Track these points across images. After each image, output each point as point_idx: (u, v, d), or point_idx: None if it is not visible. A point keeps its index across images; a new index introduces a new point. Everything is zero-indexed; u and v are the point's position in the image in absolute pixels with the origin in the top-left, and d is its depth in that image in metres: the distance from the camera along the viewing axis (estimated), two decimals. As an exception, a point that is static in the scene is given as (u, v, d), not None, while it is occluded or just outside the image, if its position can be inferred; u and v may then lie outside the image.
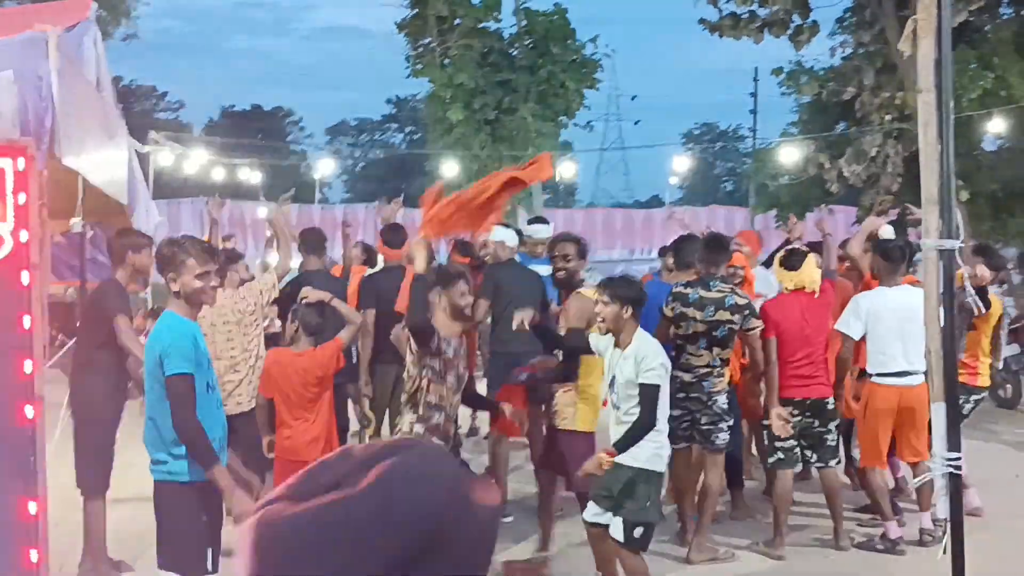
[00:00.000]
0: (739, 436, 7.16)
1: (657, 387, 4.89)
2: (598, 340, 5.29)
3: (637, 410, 4.89)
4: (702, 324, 6.02)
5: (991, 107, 15.16)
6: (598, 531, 5.13)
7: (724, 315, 5.99)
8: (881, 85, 16.18)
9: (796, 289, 6.32)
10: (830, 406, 6.36)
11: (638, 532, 4.90)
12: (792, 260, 6.37)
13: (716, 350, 6.05)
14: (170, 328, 4.16)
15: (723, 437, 6.11)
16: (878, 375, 6.29)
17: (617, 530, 4.92)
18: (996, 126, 15.36)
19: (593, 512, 5.14)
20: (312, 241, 7.64)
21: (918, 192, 10.01)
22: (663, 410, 5.00)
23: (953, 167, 3.82)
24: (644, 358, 4.89)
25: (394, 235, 7.90)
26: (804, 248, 6.65)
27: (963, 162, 13.02)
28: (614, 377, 5.05)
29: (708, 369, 6.03)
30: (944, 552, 3.83)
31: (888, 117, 16.24)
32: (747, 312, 6.08)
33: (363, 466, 1.01)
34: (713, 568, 6.12)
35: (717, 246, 6.39)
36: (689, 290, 6.10)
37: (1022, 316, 12.16)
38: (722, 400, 6.10)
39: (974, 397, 6.89)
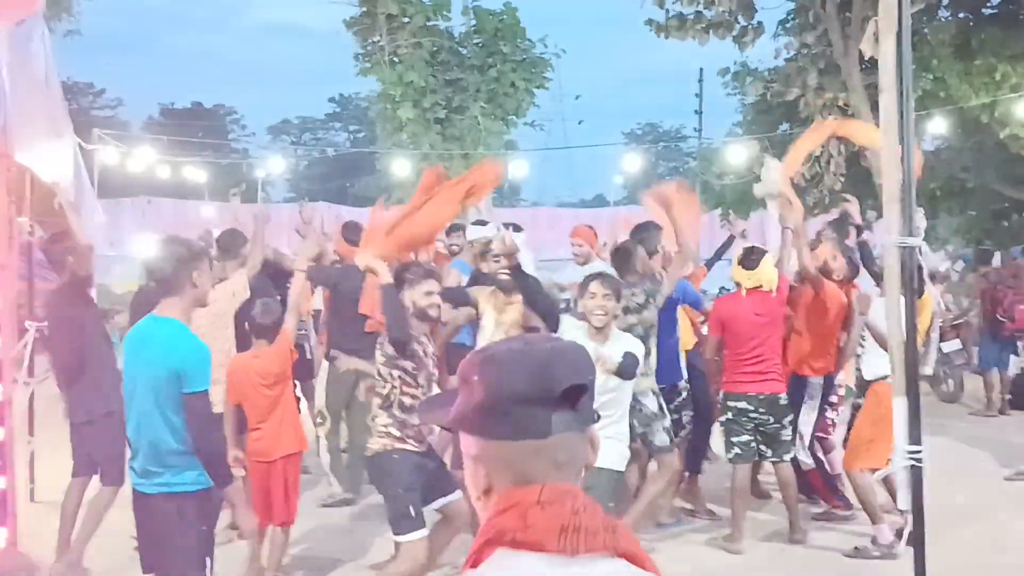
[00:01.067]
0: (704, 424, 7.22)
1: (636, 358, 5.16)
2: (573, 332, 5.35)
3: (611, 403, 5.03)
4: None
5: (930, 108, 15.48)
6: None
7: (632, 318, 6.12)
8: (824, 86, 16.43)
9: (754, 287, 6.41)
10: (783, 401, 6.49)
11: None
12: (750, 259, 6.44)
13: None
14: (189, 342, 3.97)
15: (661, 438, 6.18)
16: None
17: None
18: (935, 126, 15.69)
19: None
20: (228, 244, 7.18)
21: (861, 190, 10.20)
22: (626, 408, 5.07)
23: (912, 166, 3.90)
24: (631, 348, 5.21)
25: (353, 232, 7.90)
26: (762, 247, 6.71)
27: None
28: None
29: None
30: (906, 544, 3.92)
31: (831, 117, 16.47)
32: (648, 299, 6.24)
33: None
34: (672, 560, 6.19)
35: (620, 256, 6.52)
36: None
37: (964, 313, 12.46)
38: (649, 401, 6.15)
39: None
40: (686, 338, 7.12)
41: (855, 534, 6.62)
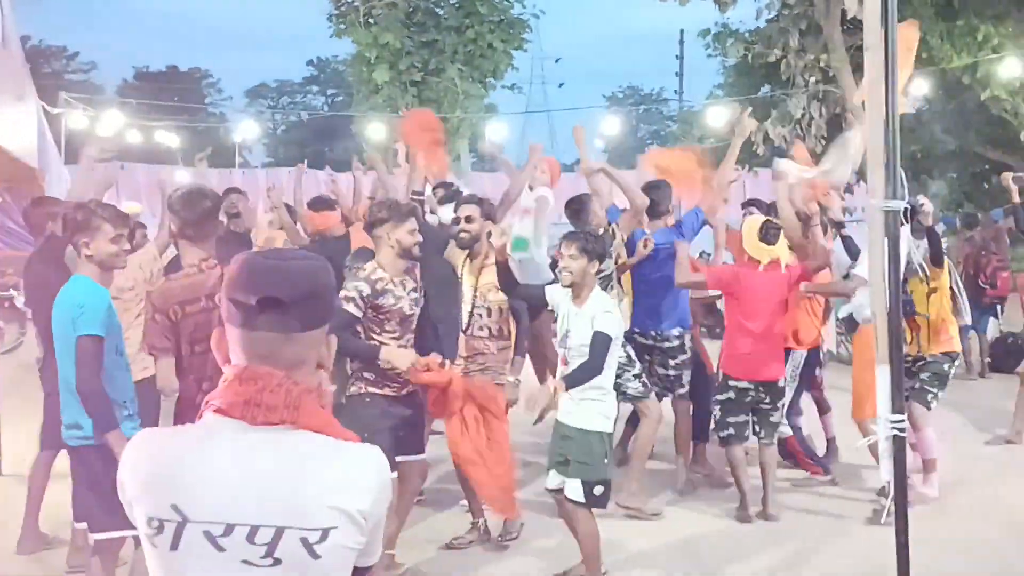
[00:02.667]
0: (706, 388, 7.09)
1: (609, 337, 4.87)
2: (554, 293, 5.28)
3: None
4: None
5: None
6: (562, 497, 5.09)
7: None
8: (805, 47, 16.30)
9: (771, 263, 6.19)
10: (781, 384, 6.40)
11: (598, 491, 4.92)
12: (770, 234, 6.18)
13: None
14: (85, 290, 4.11)
15: (635, 386, 6.35)
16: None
17: (576, 491, 4.92)
18: (917, 88, 15.58)
19: (555, 481, 5.12)
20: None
21: (842, 153, 9.91)
22: (609, 373, 4.99)
23: (898, 128, 3.77)
24: (600, 312, 4.91)
25: (322, 204, 7.75)
26: (776, 221, 6.40)
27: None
28: (568, 332, 5.04)
29: None
30: (888, 514, 3.83)
31: (812, 79, 16.37)
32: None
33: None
34: (659, 529, 6.14)
35: (572, 209, 6.58)
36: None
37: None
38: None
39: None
40: None
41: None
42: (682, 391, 6.86)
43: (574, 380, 4.87)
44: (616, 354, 5.08)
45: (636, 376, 6.39)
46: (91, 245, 4.17)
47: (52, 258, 5.86)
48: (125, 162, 24.95)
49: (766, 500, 6.38)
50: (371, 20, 15.81)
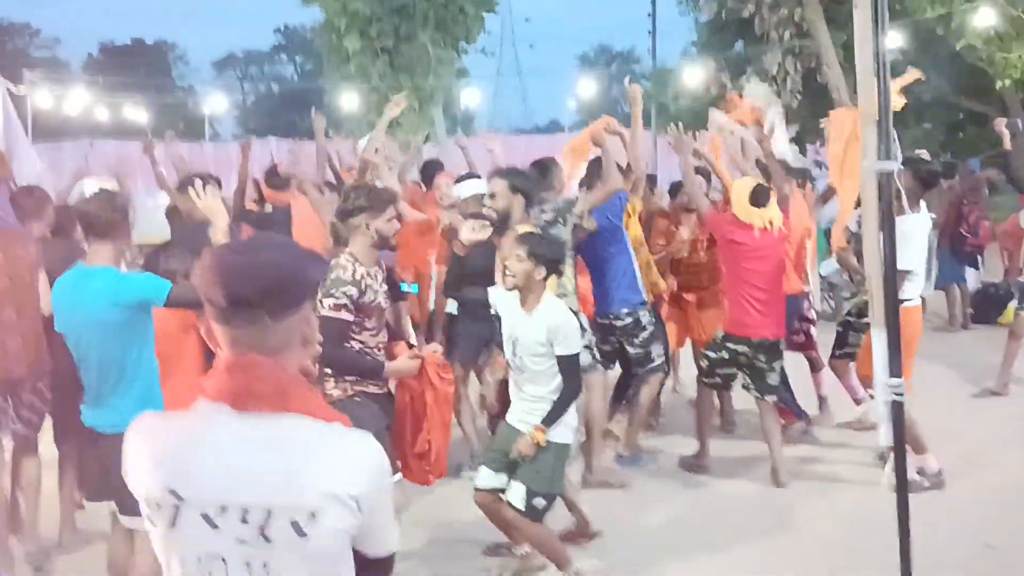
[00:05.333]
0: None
1: (576, 354, 4.56)
2: (497, 295, 4.93)
3: (544, 375, 4.58)
4: None
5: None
6: (491, 498, 4.74)
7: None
8: (779, 2, 16.16)
9: (764, 227, 6.11)
10: (780, 346, 6.36)
11: (539, 503, 4.53)
12: (761, 196, 6.10)
13: None
14: (129, 282, 4.15)
15: (584, 357, 5.96)
16: (912, 299, 5.99)
17: (517, 497, 4.55)
18: (891, 40, 15.51)
19: (487, 480, 4.75)
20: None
21: (817, 108, 10.00)
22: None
23: (890, 86, 3.68)
24: (559, 328, 4.52)
25: (276, 177, 7.72)
26: (765, 184, 6.32)
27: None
28: (516, 340, 4.66)
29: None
30: (887, 478, 3.80)
31: (787, 34, 16.26)
32: (558, 217, 5.91)
33: None
34: (639, 497, 6.11)
35: (533, 174, 6.23)
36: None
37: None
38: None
39: None
40: None
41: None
42: (653, 365, 6.63)
43: (556, 416, 4.55)
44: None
45: (586, 347, 6.00)
46: (126, 229, 4.27)
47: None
48: (94, 139, 24.62)
49: (776, 467, 6.28)
50: (340, -14, 15.54)
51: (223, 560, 1.76)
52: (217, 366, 1.83)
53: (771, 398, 6.40)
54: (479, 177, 6.82)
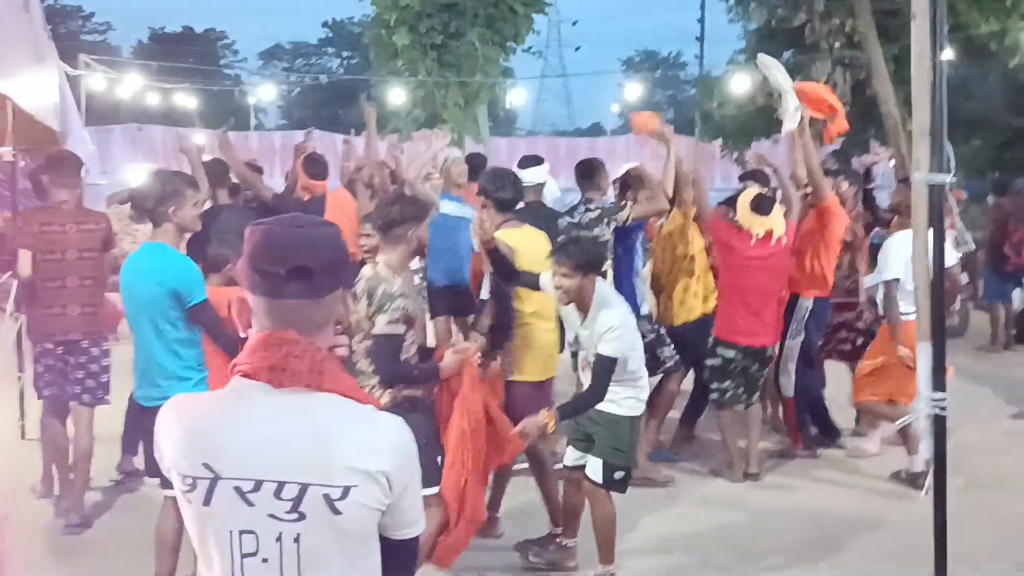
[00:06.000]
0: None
1: (613, 359, 4.55)
2: (563, 308, 4.92)
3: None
4: None
5: (939, 35, 15.13)
6: (577, 475, 4.92)
7: (584, 235, 5.87)
8: (831, 12, 16.00)
9: (765, 235, 6.20)
10: (770, 353, 6.50)
11: (619, 475, 4.76)
12: (764, 205, 6.21)
13: None
14: (176, 262, 4.39)
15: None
16: (908, 314, 5.97)
17: (596, 471, 4.76)
18: (946, 54, 15.33)
19: (573, 456, 4.97)
20: (216, 173, 7.00)
21: (866, 120, 9.98)
22: (638, 356, 4.81)
23: (946, 99, 3.67)
24: (605, 329, 4.56)
25: (315, 166, 7.67)
26: (769, 193, 6.48)
27: (908, 89, 12.94)
28: (577, 339, 4.86)
29: None
30: (926, 493, 3.78)
31: (837, 44, 16.11)
32: (603, 216, 6.06)
33: None
34: (671, 496, 6.11)
35: (581, 171, 6.47)
36: (561, 220, 6.20)
37: (980, 247, 12.20)
38: None
39: None
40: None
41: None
42: (666, 367, 6.69)
43: (572, 410, 4.67)
44: (636, 334, 4.85)
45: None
46: (179, 211, 4.41)
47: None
48: (142, 124, 24.96)
49: (750, 458, 6.52)
50: (391, -18, 15.60)
51: (255, 534, 1.79)
52: (251, 343, 1.85)
53: (756, 398, 6.57)
54: (543, 162, 6.70)
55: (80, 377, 5.82)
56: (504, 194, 5.43)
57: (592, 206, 6.19)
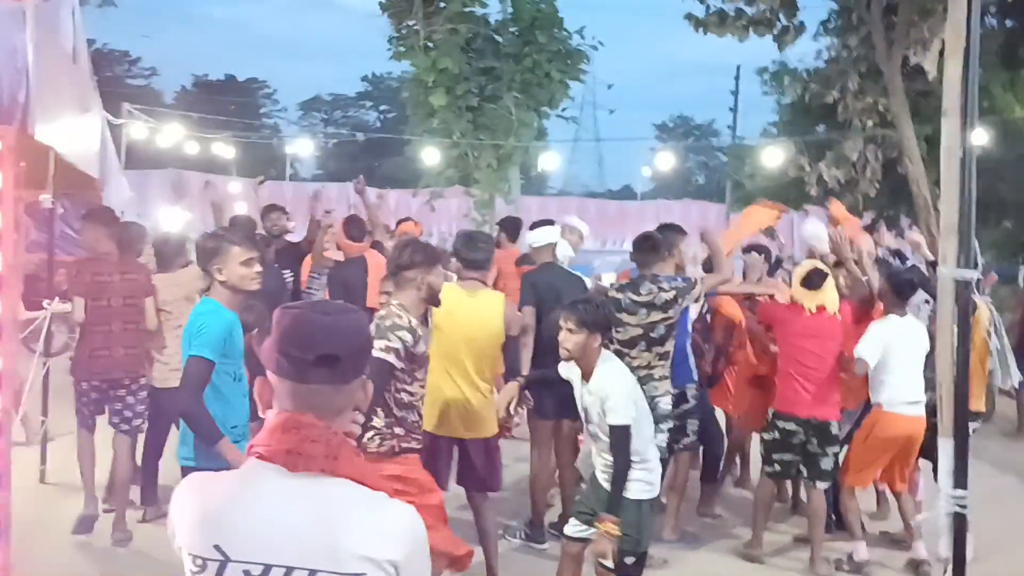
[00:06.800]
0: (715, 432, 7.26)
1: (627, 427, 4.50)
2: (567, 367, 4.90)
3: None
4: (638, 328, 5.94)
5: (973, 118, 15.18)
6: (575, 548, 4.83)
7: (657, 315, 5.91)
8: (864, 90, 16.11)
9: (817, 309, 6.23)
10: (834, 430, 6.28)
11: (629, 560, 4.59)
12: (814, 280, 6.23)
13: (656, 349, 5.98)
14: (208, 312, 4.31)
15: (661, 438, 5.96)
16: (890, 404, 6.21)
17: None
18: (977, 137, 15.32)
19: (575, 528, 4.83)
20: (244, 228, 7.14)
21: (896, 198, 9.92)
22: (646, 436, 4.72)
23: (975, 194, 3.69)
24: (608, 396, 4.54)
25: (356, 228, 7.90)
26: (824, 269, 6.39)
27: (939, 170, 12.95)
28: (586, 409, 4.74)
29: (648, 371, 5.90)
30: (945, 590, 3.73)
31: (870, 123, 16.19)
32: (679, 296, 5.98)
33: None
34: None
35: (647, 246, 6.17)
36: (620, 295, 6.01)
37: (1009, 331, 12.07)
38: (664, 403, 5.98)
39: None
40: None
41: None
42: (686, 441, 6.66)
43: (617, 498, 4.50)
44: (646, 412, 4.79)
45: (669, 431, 6.20)
46: (224, 270, 4.39)
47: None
48: (181, 170, 25.33)
49: (814, 557, 6.24)
50: (430, 44, 15.84)
51: None
52: (269, 424, 1.85)
53: (823, 485, 6.32)
54: (552, 223, 6.92)
55: (119, 408, 6.40)
56: (470, 255, 5.59)
57: (665, 285, 6.01)
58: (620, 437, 4.51)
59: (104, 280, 6.33)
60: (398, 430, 4.56)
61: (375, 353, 4.32)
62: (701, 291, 6.18)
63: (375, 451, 4.49)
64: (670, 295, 5.94)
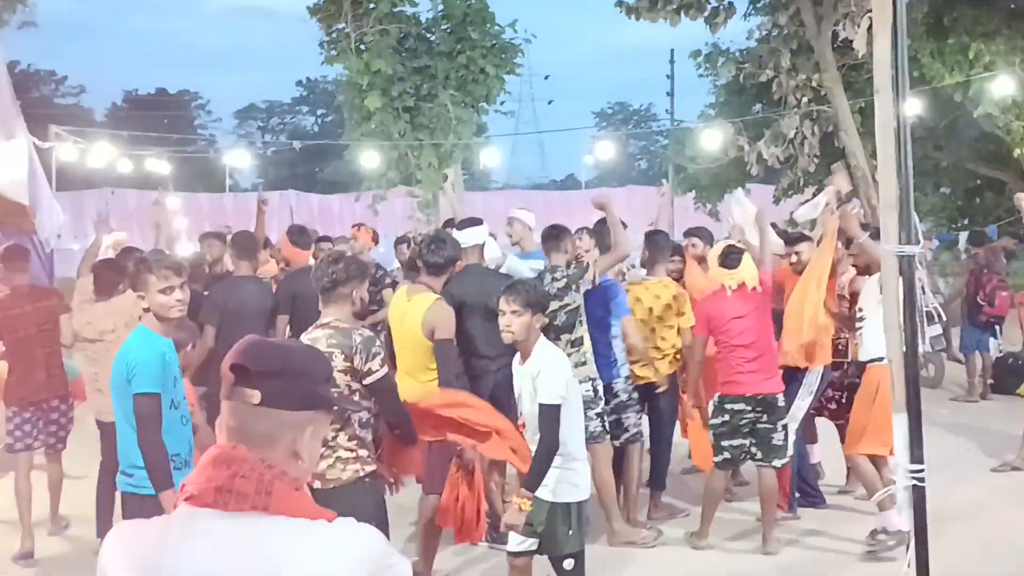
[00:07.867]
0: (664, 437, 7.22)
1: (556, 407, 4.39)
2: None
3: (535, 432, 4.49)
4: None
5: (903, 88, 15.37)
6: (521, 562, 4.70)
7: (554, 304, 5.98)
8: (797, 67, 16.26)
9: (737, 286, 6.33)
10: (780, 403, 6.35)
11: (568, 564, 4.50)
12: (731, 259, 6.37)
13: (564, 336, 6.11)
14: (140, 345, 4.21)
15: (594, 424, 6.09)
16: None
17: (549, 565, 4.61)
18: (910, 107, 15.54)
19: (515, 542, 4.66)
20: (244, 245, 7.38)
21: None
22: (576, 430, 4.61)
23: (912, 171, 3.69)
24: (540, 373, 4.44)
25: (301, 236, 7.82)
26: (740, 245, 6.58)
27: (875, 141, 13.03)
28: (520, 395, 4.65)
29: None
30: (908, 566, 3.73)
31: (805, 99, 16.35)
32: (570, 283, 6.15)
33: None
34: (651, 561, 6.03)
35: (549, 235, 6.41)
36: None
37: (954, 297, 12.30)
38: (584, 389, 5.86)
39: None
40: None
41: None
42: (628, 435, 6.67)
43: (536, 477, 4.40)
44: (578, 407, 4.68)
45: (597, 415, 6.21)
46: (145, 298, 4.32)
47: None
48: (116, 188, 24.91)
49: (767, 534, 6.35)
50: (362, 47, 15.65)
51: None
52: (201, 460, 1.77)
53: (780, 462, 6.36)
54: (481, 223, 6.61)
55: (53, 430, 6.73)
56: (430, 258, 5.68)
57: (558, 274, 6.21)
58: (549, 417, 4.39)
59: (16, 313, 6.64)
60: (362, 452, 4.37)
61: (382, 371, 4.33)
62: (595, 273, 6.34)
63: (335, 478, 4.27)
64: (562, 283, 6.17)
